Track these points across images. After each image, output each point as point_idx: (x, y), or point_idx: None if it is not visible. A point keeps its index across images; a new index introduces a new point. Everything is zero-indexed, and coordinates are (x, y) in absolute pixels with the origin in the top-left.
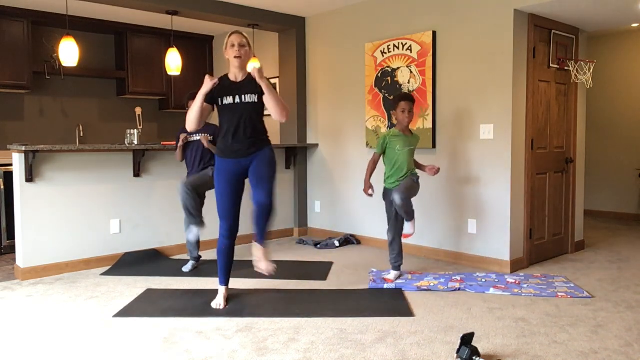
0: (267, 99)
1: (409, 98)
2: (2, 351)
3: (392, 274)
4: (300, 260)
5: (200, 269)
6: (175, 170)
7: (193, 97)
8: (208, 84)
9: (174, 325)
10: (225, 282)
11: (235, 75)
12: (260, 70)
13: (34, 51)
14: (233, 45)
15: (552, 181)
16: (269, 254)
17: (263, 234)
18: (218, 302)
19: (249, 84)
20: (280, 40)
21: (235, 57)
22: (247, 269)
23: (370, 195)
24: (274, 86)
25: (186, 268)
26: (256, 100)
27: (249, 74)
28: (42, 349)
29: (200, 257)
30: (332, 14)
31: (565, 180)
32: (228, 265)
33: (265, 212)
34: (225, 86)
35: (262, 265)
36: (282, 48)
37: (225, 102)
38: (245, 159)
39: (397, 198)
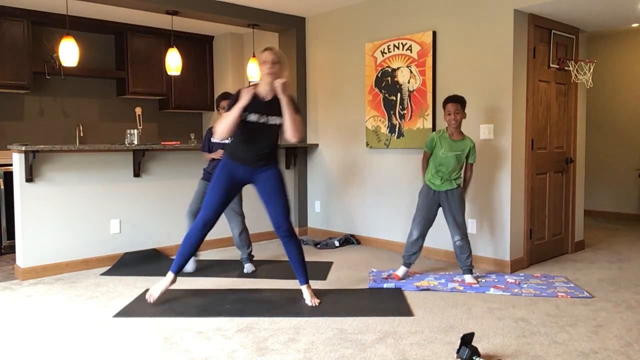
0: (284, 116)
1: (454, 99)
2: (2, 351)
3: (401, 270)
4: None
5: (201, 269)
6: (175, 170)
7: (225, 98)
8: (246, 97)
9: (174, 325)
10: (177, 270)
11: (265, 91)
12: (284, 84)
13: (34, 51)
14: (265, 62)
15: (552, 181)
16: (312, 290)
17: (305, 276)
18: (153, 291)
19: (277, 105)
20: (280, 40)
21: (267, 74)
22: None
23: None
24: None
25: (189, 269)
26: (280, 123)
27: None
28: (42, 349)
29: (198, 255)
30: (332, 14)
31: (565, 180)
32: (188, 256)
33: (297, 252)
34: (253, 102)
35: (310, 302)
36: (282, 48)
37: (250, 118)
38: (252, 169)
39: (457, 240)
